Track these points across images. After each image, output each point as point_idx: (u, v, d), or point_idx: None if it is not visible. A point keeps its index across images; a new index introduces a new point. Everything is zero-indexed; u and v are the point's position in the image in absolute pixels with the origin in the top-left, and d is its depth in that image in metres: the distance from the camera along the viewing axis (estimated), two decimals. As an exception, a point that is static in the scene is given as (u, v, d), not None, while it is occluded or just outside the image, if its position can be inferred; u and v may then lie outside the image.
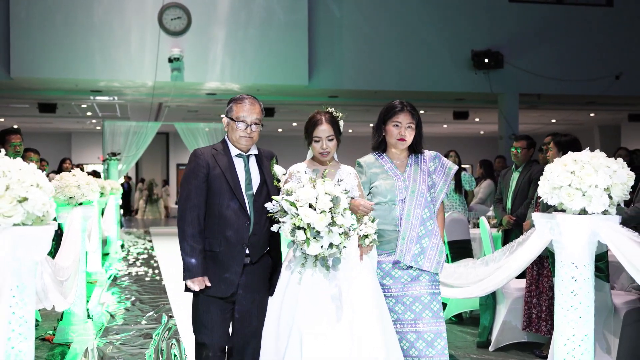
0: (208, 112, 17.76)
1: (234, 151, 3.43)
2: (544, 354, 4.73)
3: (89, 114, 18.82)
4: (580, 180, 2.77)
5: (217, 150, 3.43)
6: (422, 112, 16.36)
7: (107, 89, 13.60)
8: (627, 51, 13.39)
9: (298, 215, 3.12)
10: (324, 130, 3.52)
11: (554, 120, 19.80)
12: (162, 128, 16.05)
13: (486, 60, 12.68)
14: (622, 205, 2.97)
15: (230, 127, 3.43)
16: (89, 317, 6.04)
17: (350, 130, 20.68)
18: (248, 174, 3.41)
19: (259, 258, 3.39)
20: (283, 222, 3.19)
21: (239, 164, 3.42)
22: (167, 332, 5.76)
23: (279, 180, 3.47)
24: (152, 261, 10.86)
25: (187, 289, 3.35)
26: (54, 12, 11.53)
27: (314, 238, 3.12)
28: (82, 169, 12.39)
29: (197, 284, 3.28)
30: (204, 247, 3.29)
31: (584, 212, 2.82)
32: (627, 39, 13.41)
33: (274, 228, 3.26)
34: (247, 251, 3.34)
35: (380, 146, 3.80)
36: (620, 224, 4.36)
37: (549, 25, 13.23)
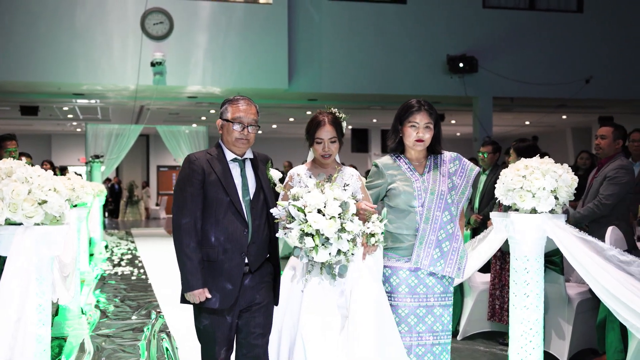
0: (189, 114, 18.04)
1: (229, 155, 3.26)
2: (506, 342, 5.13)
3: (70, 116, 18.99)
4: (531, 183, 3.15)
5: (212, 155, 3.25)
6: (399, 114, 16.74)
7: (89, 92, 13.80)
8: (597, 56, 13.82)
9: (306, 221, 3.00)
10: (327, 132, 3.41)
11: (527, 123, 20.29)
12: (142, 130, 16.28)
13: (461, 65, 13.02)
14: (568, 205, 3.37)
15: (226, 129, 3.25)
16: (82, 312, 6.36)
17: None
18: (244, 179, 3.25)
19: (258, 267, 3.25)
20: (290, 228, 3.07)
21: (234, 169, 3.25)
22: (157, 326, 6.08)
23: (275, 184, 3.36)
24: (136, 261, 11.14)
25: (184, 301, 3.20)
26: (38, 17, 11.70)
27: (323, 245, 3.03)
28: (62, 172, 12.64)
29: (196, 296, 3.10)
30: (201, 257, 3.13)
31: (534, 211, 3.21)
32: (597, 44, 13.84)
33: (279, 234, 3.16)
34: (246, 260, 3.19)
35: (398, 147, 3.63)
36: (576, 222, 4.80)
37: (522, 30, 13.63)
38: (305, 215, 3.02)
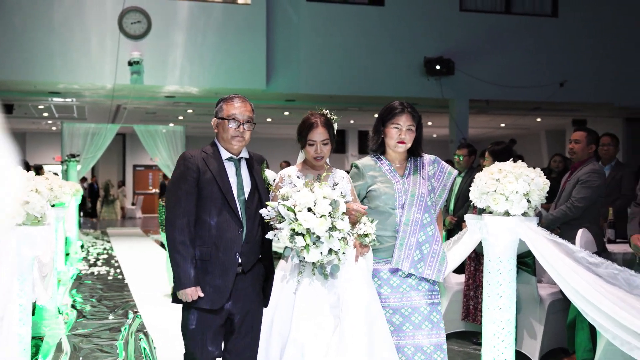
0: (166, 114, 17.99)
1: (224, 154, 3.25)
2: (480, 341, 5.21)
3: (45, 115, 18.85)
4: (504, 187, 3.24)
5: (207, 153, 3.23)
6: (376, 116, 16.83)
7: (66, 91, 13.72)
8: (571, 60, 14.03)
9: (297, 220, 2.98)
10: (319, 134, 3.37)
11: (503, 125, 20.51)
12: (119, 129, 16.22)
13: (438, 67, 13.14)
14: (540, 208, 3.46)
15: (221, 127, 3.24)
16: (59, 312, 6.35)
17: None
18: (240, 179, 3.24)
19: (251, 267, 3.24)
20: (280, 228, 3.05)
21: (230, 168, 3.24)
22: (134, 326, 6.09)
23: (270, 185, 3.35)
24: (112, 261, 11.10)
25: (176, 300, 3.16)
26: (14, 14, 11.60)
27: (314, 244, 3.00)
28: (37, 171, 12.55)
29: (189, 295, 3.07)
30: (194, 256, 3.11)
31: (507, 214, 3.30)
32: (571, 48, 14.05)
33: (269, 235, 3.13)
34: (240, 260, 3.17)
35: (379, 149, 3.63)
36: (548, 223, 4.90)
37: (498, 34, 13.80)
38: (296, 215, 2.99)
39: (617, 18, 14.14)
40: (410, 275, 3.49)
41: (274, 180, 3.40)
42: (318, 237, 3.00)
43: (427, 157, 3.68)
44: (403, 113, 3.54)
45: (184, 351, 3.25)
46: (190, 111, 17.19)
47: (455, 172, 3.73)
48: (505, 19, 14.02)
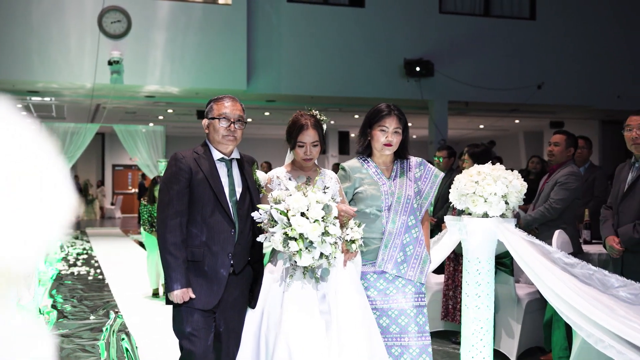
0: (146, 114, 17.91)
1: (216, 155, 3.24)
2: (459, 340, 5.30)
3: (23, 114, 18.63)
4: (483, 189, 3.32)
5: (199, 154, 3.22)
6: (356, 116, 16.93)
7: (45, 90, 13.62)
8: (548, 63, 14.19)
9: (290, 225, 2.97)
10: (309, 135, 3.35)
11: (481, 126, 20.69)
12: (98, 128, 16.14)
13: (417, 69, 13.22)
14: (518, 209, 3.54)
15: (212, 127, 3.23)
16: (40, 312, 6.34)
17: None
18: (231, 179, 3.23)
19: (242, 268, 3.23)
20: (273, 232, 3.03)
21: (221, 169, 3.23)
22: (116, 326, 6.10)
23: (261, 186, 3.33)
24: (92, 261, 11.07)
25: (169, 302, 3.15)
26: (-8, 13, 11.55)
27: (307, 249, 2.99)
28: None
29: (180, 297, 3.06)
30: (186, 257, 3.09)
31: (485, 215, 3.37)
32: (549, 51, 14.21)
33: (261, 239, 3.12)
34: (232, 261, 3.16)
35: (366, 151, 3.65)
36: (527, 224, 5.00)
37: (477, 36, 13.91)
38: (289, 219, 2.98)
39: (594, 22, 14.34)
40: (397, 277, 3.49)
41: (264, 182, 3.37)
42: (311, 242, 2.98)
43: (414, 160, 3.69)
44: (390, 115, 3.54)
45: (179, 353, 3.20)
46: (170, 111, 17.14)
47: (442, 174, 3.74)
48: (484, 22, 14.14)
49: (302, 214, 2.99)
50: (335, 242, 3.05)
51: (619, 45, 14.45)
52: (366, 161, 3.64)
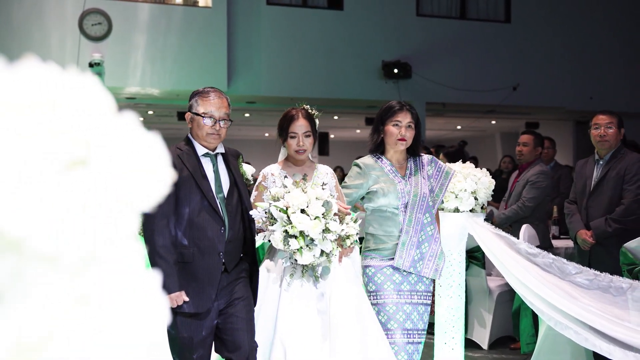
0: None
1: (200, 150, 3.10)
2: (433, 331, 5.54)
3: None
4: (453, 185, 3.54)
5: (182, 150, 3.08)
6: (335, 117, 17.07)
7: (25, 92, 13.63)
8: (523, 64, 14.42)
9: (290, 222, 2.91)
10: (300, 125, 3.29)
11: (459, 127, 20.89)
12: (80, 130, 16.14)
13: (395, 71, 13.36)
14: (486, 205, 3.78)
15: (196, 123, 3.08)
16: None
17: (267, 134, 21.26)
18: (217, 175, 3.09)
19: (234, 267, 3.10)
20: (272, 230, 2.96)
21: (207, 165, 3.09)
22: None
23: (248, 180, 3.28)
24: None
25: None
26: (-29, 15, 11.57)
27: (307, 246, 2.93)
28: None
29: (173, 300, 2.85)
30: (176, 259, 2.92)
31: (457, 210, 3.60)
32: (524, 53, 14.43)
33: (259, 238, 3.06)
34: (223, 260, 3.00)
35: (378, 148, 3.62)
36: (500, 222, 5.24)
37: (453, 39, 14.10)
38: (289, 217, 2.91)
39: (568, 25, 14.62)
40: (410, 274, 3.48)
41: (252, 175, 3.38)
42: (312, 240, 2.93)
43: (425, 157, 3.67)
44: (402, 110, 3.53)
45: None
46: (151, 112, 17.22)
47: (453, 170, 3.70)
48: (461, 25, 14.34)
49: (302, 211, 2.93)
50: (336, 239, 3.02)
51: (591, 47, 14.75)
52: (380, 159, 3.61)
